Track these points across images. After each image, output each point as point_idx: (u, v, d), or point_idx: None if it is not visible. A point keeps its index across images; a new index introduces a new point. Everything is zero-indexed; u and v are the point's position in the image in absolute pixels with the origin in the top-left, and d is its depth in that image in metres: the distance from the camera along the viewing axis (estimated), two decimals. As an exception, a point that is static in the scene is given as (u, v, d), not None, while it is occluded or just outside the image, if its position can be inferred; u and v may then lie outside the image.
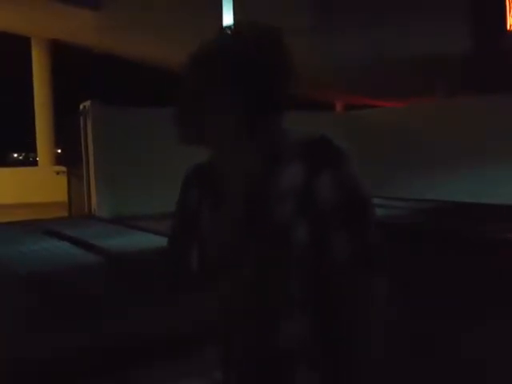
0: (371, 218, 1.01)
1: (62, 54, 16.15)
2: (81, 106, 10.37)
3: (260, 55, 1.00)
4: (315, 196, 0.97)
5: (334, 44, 12.34)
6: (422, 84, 15.72)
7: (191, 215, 1.15)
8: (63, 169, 11.83)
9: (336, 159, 0.99)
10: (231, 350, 1.09)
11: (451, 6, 10.24)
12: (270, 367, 1.03)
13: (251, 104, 1.00)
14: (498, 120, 10.25)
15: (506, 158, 10.08)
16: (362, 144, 12.30)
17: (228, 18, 6.32)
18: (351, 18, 10.50)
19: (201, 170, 1.17)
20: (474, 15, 11.20)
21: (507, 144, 10.06)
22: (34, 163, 21.00)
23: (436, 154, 10.99)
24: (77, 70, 24.30)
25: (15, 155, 49.57)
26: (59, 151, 18.68)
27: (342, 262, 0.98)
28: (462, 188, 10.23)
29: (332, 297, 1.01)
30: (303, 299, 1.00)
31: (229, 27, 1.06)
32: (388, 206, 9.91)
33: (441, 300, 3.99)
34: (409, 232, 7.00)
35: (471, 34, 11.26)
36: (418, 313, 3.59)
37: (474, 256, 5.43)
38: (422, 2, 10.05)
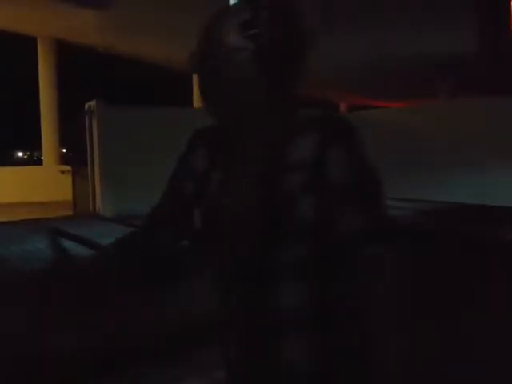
0: (382, 191, 1.02)
1: (67, 54, 16.24)
2: (86, 106, 10.44)
3: (279, 25, 1.02)
4: (328, 168, 0.98)
5: (335, 44, 12.35)
6: (425, 85, 15.71)
7: (197, 173, 1.16)
8: (68, 168, 11.91)
9: (349, 134, 1.01)
10: (232, 328, 1.09)
11: (454, 7, 10.26)
12: (270, 335, 1.04)
13: (274, 73, 1.03)
14: (501, 121, 10.27)
15: (507, 160, 10.11)
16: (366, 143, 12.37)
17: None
18: (353, 18, 10.53)
19: (211, 133, 1.18)
20: (478, 16, 11.20)
21: (509, 146, 10.09)
22: (39, 162, 21.10)
23: (438, 155, 11.01)
24: (83, 70, 24.40)
25: (20, 154, 49.74)
26: (64, 150, 18.79)
27: (353, 233, 0.99)
28: (465, 189, 10.26)
29: (338, 269, 1.02)
30: (305, 269, 1.01)
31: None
32: (394, 206, 9.93)
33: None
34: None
35: (474, 35, 11.26)
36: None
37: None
38: (425, 2, 10.06)
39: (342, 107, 23.46)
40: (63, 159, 15.78)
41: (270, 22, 1.01)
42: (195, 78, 19.06)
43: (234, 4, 1.06)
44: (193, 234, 1.23)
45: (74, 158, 11.77)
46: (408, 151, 11.60)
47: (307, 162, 0.99)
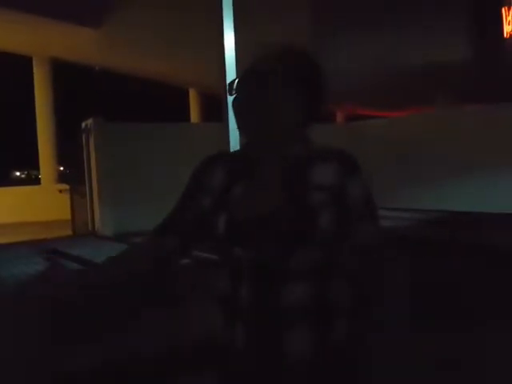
0: (378, 214, 1.29)
1: (64, 72, 16.26)
2: (83, 124, 10.42)
3: (312, 74, 1.30)
4: (347, 192, 1.22)
5: (332, 55, 12.39)
6: (422, 94, 15.75)
7: (215, 190, 1.31)
8: (66, 187, 11.86)
9: (359, 167, 1.27)
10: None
11: (449, 16, 10.30)
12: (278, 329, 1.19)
13: (303, 112, 1.27)
14: (500, 129, 10.28)
15: (505, 169, 10.12)
16: (363, 155, 12.36)
17: (229, 36, 6.32)
18: (349, 29, 10.56)
19: (228, 156, 1.41)
20: (471, 24, 11.27)
21: (506, 155, 10.09)
22: (37, 181, 21.05)
23: (436, 165, 11.00)
24: (79, 88, 24.45)
25: (17, 173, 49.73)
26: (62, 169, 18.75)
27: (365, 245, 1.23)
28: (464, 198, 10.24)
29: (350, 273, 1.25)
30: (318, 273, 1.20)
31: (284, 50, 1.31)
32: (394, 217, 9.90)
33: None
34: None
35: (468, 43, 11.31)
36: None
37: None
38: (420, 12, 10.10)
39: (339, 118, 23.48)
40: (61, 178, 15.72)
41: (309, 72, 1.30)
42: (192, 94, 19.14)
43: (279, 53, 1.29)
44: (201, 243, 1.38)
45: (72, 176, 11.72)
46: (407, 161, 11.58)
47: (329, 185, 1.22)
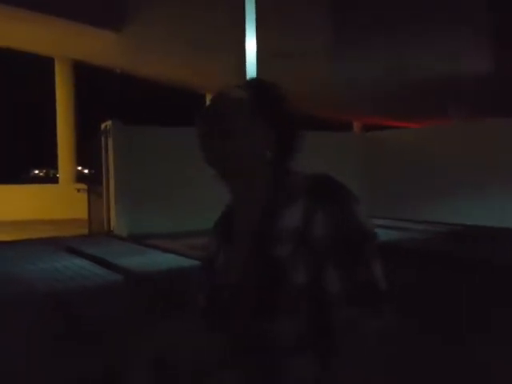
0: (367, 255, 1.01)
1: (84, 75, 16.52)
2: (102, 126, 10.60)
3: (274, 106, 1.12)
4: (310, 235, 1.00)
5: (349, 64, 12.44)
6: (438, 106, 15.70)
7: (212, 259, 1.20)
8: (84, 186, 12.04)
9: (332, 197, 1.02)
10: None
11: (469, 29, 10.29)
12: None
13: (269, 147, 1.10)
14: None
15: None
16: (380, 165, 12.39)
17: (251, 41, 6.35)
18: (369, 39, 10.60)
19: (225, 212, 1.24)
20: (492, 38, 11.23)
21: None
22: (55, 180, 21.35)
23: (453, 176, 10.95)
24: (99, 90, 24.78)
25: (36, 171, 50.38)
26: (80, 168, 19.01)
27: (333, 300, 0.99)
28: (480, 211, 10.18)
29: (330, 333, 1.01)
30: (302, 334, 1.01)
31: (247, 84, 1.16)
32: (411, 229, 9.91)
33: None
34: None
35: (487, 57, 11.28)
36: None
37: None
38: (439, 23, 10.11)
39: (356, 127, 23.48)
40: (79, 177, 15.96)
41: (272, 105, 1.12)
42: (208, 98, 19.29)
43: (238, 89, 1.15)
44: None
45: (90, 176, 11.91)
46: (422, 172, 11.56)
47: (294, 231, 1.02)
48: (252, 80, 1.22)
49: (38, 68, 17.34)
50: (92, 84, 21.85)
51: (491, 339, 3.70)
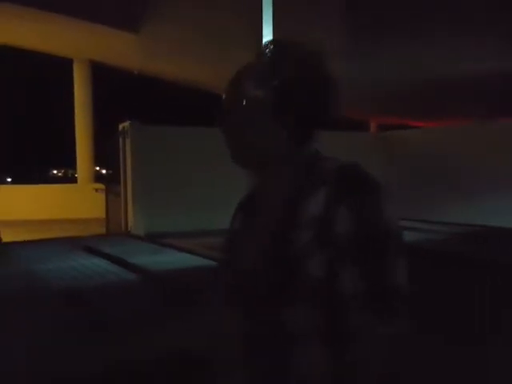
0: (392, 256, 0.94)
1: (102, 75, 16.68)
2: (120, 127, 10.69)
3: (304, 76, 1.02)
4: (333, 227, 0.94)
5: (368, 63, 12.36)
6: (460, 105, 15.52)
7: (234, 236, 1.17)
8: (102, 186, 12.16)
9: (359, 189, 0.96)
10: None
11: (492, 29, 10.16)
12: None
13: (293, 126, 1.03)
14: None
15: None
16: (398, 165, 12.29)
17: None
18: (388, 37, 10.52)
19: (248, 195, 1.19)
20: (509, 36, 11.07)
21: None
22: (73, 180, 21.60)
23: (473, 177, 10.83)
24: (117, 91, 24.98)
25: (55, 172, 51.01)
26: (97, 168, 19.20)
27: (348, 299, 0.93)
28: (502, 212, 10.05)
29: (341, 330, 0.96)
30: (313, 325, 0.96)
31: (272, 46, 1.07)
32: (426, 230, 9.80)
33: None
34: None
35: (507, 56, 11.11)
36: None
37: None
38: (458, 22, 10.00)
39: (373, 127, 23.31)
40: (97, 177, 16.12)
41: (289, 75, 1.02)
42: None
43: (255, 59, 1.08)
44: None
45: (108, 176, 12.02)
46: (441, 172, 11.44)
47: (315, 219, 0.96)
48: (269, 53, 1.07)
49: (57, 69, 17.55)
50: (110, 85, 22.04)
51: None
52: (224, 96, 1.10)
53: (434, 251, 7.52)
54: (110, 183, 11.43)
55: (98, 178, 16.35)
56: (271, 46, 1.07)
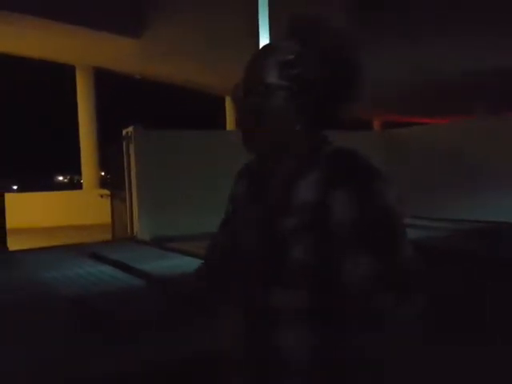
0: (399, 240, 0.94)
1: (105, 81, 16.74)
2: (124, 132, 10.70)
3: (328, 68, 1.01)
4: (329, 212, 0.93)
5: (373, 60, 12.34)
6: (463, 102, 15.46)
7: (235, 200, 1.18)
8: (107, 192, 12.18)
9: (358, 174, 0.95)
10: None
11: (494, 25, 10.11)
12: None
13: (311, 115, 1.03)
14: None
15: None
16: (403, 163, 12.23)
17: (266, 42, 6.38)
18: (390, 34, 10.50)
19: (251, 166, 1.19)
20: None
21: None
22: (79, 185, 21.67)
23: (477, 173, 10.77)
24: (120, 96, 25.04)
25: (60, 178, 51.21)
26: (103, 174, 19.25)
27: (354, 285, 0.92)
28: (506, 208, 9.99)
29: (336, 314, 0.96)
30: (301, 309, 0.96)
31: (299, 31, 1.06)
32: (432, 227, 9.76)
33: None
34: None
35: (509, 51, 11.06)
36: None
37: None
38: (463, 19, 9.96)
39: (376, 125, 23.25)
40: (102, 183, 16.15)
41: (314, 63, 1.01)
42: (228, 101, 19.34)
43: (280, 40, 1.07)
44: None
45: (113, 181, 12.05)
46: (446, 168, 11.40)
47: (305, 204, 0.96)
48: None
49: (60, 75, 17.63)
50: (113, 90, 22.11)
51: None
52: (244, 75, 1.08)
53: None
54: (115, 189, 11.45)
55: (104, 183, 16.38)
56: (299, 30, 1.05)
